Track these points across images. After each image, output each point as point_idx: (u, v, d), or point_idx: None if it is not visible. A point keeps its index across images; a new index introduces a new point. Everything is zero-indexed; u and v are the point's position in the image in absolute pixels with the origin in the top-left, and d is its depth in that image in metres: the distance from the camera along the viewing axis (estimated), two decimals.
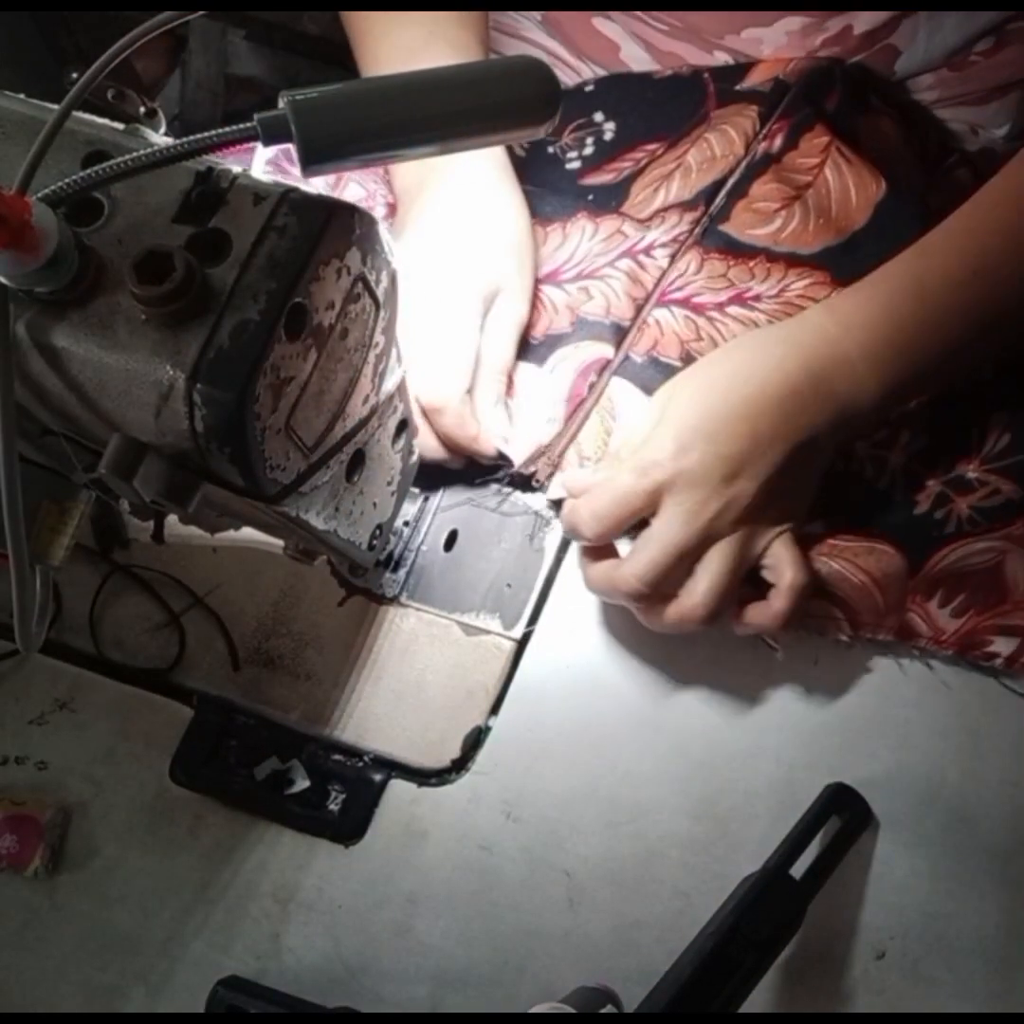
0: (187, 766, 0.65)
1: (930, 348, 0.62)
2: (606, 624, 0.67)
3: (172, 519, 0.61)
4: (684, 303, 0.71)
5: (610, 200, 0.75)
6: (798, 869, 0.58)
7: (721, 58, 0.77)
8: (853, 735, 0.64)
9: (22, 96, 0.43)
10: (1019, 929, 0.60)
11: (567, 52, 0.85)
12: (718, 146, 0.73)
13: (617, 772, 0.64)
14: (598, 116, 0.78)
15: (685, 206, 0.72)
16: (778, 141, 0.72)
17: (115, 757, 0.66)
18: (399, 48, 0.71)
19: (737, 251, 0.71)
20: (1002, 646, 0.65)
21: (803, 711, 0.65)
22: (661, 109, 0.77)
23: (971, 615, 0.65)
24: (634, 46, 0.80)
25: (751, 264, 0.70)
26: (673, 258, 0.72)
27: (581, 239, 0.74)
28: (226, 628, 0.68)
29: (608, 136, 0.78)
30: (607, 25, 0.80)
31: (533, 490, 0.70)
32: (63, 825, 0.65)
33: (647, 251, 0.71)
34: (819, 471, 0.64)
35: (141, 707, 0.67)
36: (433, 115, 0.40)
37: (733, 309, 0.70)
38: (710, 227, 0.72)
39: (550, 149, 0.78)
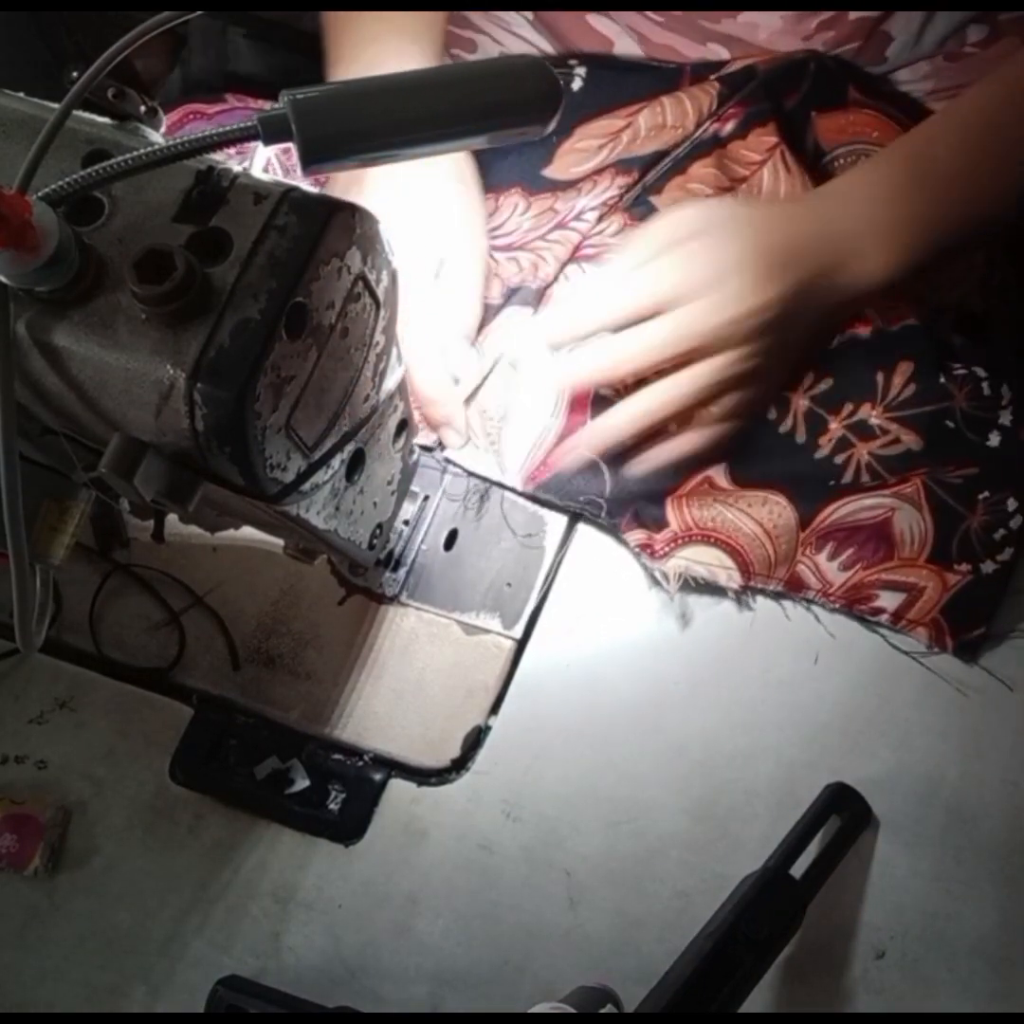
0: (187, 766, 0.65)
1: (920, 202, 0.66)
2: (606, 624, 0.67)
3: (172, 518, 0.61)
4: (595, 260, 0.72)
5: (538, 161, 0.74)
6: (798, 869, 0.58)
7: (714, 49, 0.77)
8: (853, 735, 0.64)
9: (22, 96, 0.43)
10: (1019, 929, 0.60)
11: (556, 51, 0.85)
12: (671, 114, 0.72)
13: (617, 772, 0.64)
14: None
15: (619, 169, 0.71)
16: (730, 126, 0.72)
17: (115, 756, 0.66)
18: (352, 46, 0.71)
19: None
20: (887, 601, 0.65)
21: (803, 711, 0.65)
22: (636, 84, 0.76)
23: (858, 569, 0.66)
24: (628, 41, 0.80)
25: None
26: (599, 220, 0.72)
27: (512, 214, 0.74)
28: (226, 627, 0.68)
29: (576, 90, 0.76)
30: (601, 20, 0.80)
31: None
32: (63, 824, 0.65)
33: (577, 217, 0.72)
34: (811, 332, 0.66)
35: (141, 706, 0.67)
36: (434, 114, 0.40)
37: None
38: (640, 195, 0.71)
39: None
